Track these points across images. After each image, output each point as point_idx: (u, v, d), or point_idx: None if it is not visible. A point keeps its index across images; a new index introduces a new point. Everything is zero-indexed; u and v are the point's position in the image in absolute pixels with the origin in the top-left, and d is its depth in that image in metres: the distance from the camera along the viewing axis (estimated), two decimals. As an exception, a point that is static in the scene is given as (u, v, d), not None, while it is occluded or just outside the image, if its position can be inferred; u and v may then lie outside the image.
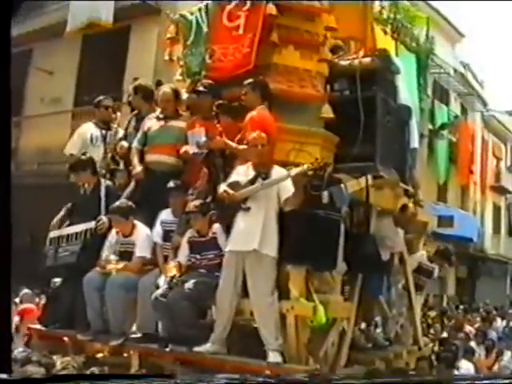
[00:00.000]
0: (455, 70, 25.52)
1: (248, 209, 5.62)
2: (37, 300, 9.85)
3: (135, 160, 6.84)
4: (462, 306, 22.05)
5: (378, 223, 6.70)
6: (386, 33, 8.46)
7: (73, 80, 15.45)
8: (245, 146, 5.92)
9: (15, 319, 8.40)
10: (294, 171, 5.39)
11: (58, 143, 14.01)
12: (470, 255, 27.37)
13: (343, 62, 7.03)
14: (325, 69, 6.78)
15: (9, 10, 3.60)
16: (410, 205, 7.16)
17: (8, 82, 3.52)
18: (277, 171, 5.65)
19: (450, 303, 23.36)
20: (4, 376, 3.23)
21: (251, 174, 5.72)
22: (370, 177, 6.39)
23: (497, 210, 31.52)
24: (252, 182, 5.66)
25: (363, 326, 7.61)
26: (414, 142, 7.72)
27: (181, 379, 4.15)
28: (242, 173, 5.80)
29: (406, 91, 7.52)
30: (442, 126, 23.94)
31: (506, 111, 30.44)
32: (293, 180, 5.45)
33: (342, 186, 5.81)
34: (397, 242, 7.09)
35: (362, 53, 7.11)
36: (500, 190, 31.34)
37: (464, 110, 27.73)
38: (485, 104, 28.98)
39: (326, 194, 5.57)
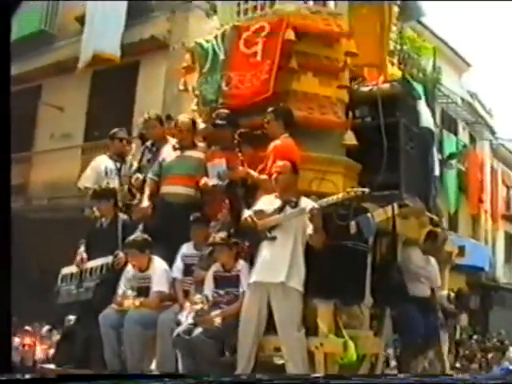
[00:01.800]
0: (463, 100, 25.44)
1: (274, 238, 5.40)
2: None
3: (146, 193, 6.64)
4: (475, 337, 21.66)
5: (408, 255, 6.48)
6: (392, 64, 8.27)
7: (82, 115, 15.41)
8: (266, 177, 5.71)
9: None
10: (323, 202, 5.17)
11: (68, 178, 14.05)
12: (482, 285, 27.00)
13: (363, 89, 6.85)
14: (345, 95, 6.62)
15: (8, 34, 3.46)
16: (439, 232, 6.95)
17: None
18: (305, 202, 5.42)
19: (464, 334, 22.96)
20: (4, 376, 3.17)
21: (277, 203, 5.51)
22: (396, 205, 6.19)
23: (508, 238, 31.16)
24: (279, 210, 5.46)
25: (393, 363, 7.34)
26: (437, 170, 7.53)
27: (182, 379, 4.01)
28: (268, 202, 5.60)
29: (428, 115, 7.34)
30: (451, 156, 23.76)
31: (514, 139, 30.42)
32: (310, 217, 5.23)
33: (369, 215, 5.60)
34: (433, 274, 6.87)
35: (381, 79, 6.91)
36: (511, 219, 31.05)
37: (472, 139, 27.58)
38: (493, 132, 28.83)
39: (353, 223, 5.36)
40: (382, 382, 5.01)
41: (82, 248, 6.90)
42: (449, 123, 24.68)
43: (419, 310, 6.60)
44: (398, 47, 9.14)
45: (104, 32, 13.94)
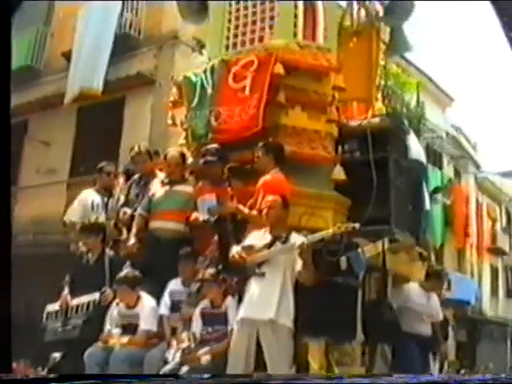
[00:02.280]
0: (447, 134, 25.59)
1: (263, 274, 5.30)
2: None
3: (133, 230, 6.55)
4: (462, 371, 21.51)
5: (406, 292, 6.42)
6: (377, 99, 8.28)
7: (68, 150, 15.31)
8: (256, 212, 5.65)
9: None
10: (314, 237, 5.10)
11: (53, 213, 13.84)
12: (469, 318, 26.90)
13: (352, 123, 6.84)
14: (334, 129, 6.62)
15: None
16: (442, 270, 6.93)
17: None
18: (295, 237, 5.33)
19: (451, 368, 22.79)
20: (4, 376, 3.19)
21: (268, 238, 5.43)
22: (386, 240, 6.14)
23: (494, 271, 31.18)
24: (269, 246, 5.36)
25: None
26: (427, 204, 7.49)
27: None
28: (258, 237, 5.51)
29: (418, 147, 7.34)
30: (436, 190, 23.77)
31: (498, 173, 30.53)
32: (299, 253, 5.15)
33: (360, 250, 5.54)
34: (434, 309, 6.82)
35: (370, 113, 6.91)
36: (497, 252, 31.07)
37: (457, 173, 27.71)
38: (478, 166, 29.02)
39: (343, 259, 5.28)
40: (383, 382, 4.91)
41: (68, 285, 6.77)
42: (434, 157, 24.78)
43: (420, 348, 6.52)
44: (383, 82, 9.12)
45: (90, 68, 13.93)
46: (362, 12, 7.77)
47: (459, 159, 27.37)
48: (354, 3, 7.73)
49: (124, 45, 14.13)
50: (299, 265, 5.22)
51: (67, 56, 14.99)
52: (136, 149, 7.15)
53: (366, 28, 7.74)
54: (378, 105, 8.12)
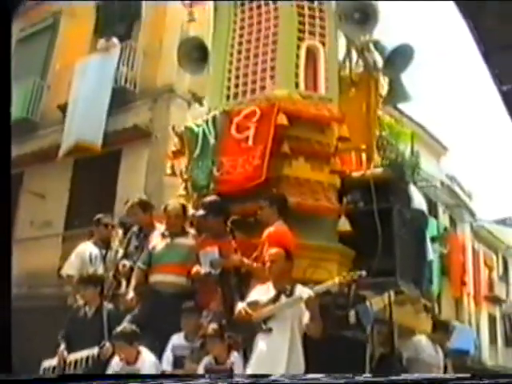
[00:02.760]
0: (442, 183, 25.63)
1: (269, 330, 5.14)
2: None
3: (132, 283, 6.40)
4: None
5: (416, 344, 6.28)
6: (360, 150, 8.25)
7: (64, 203, 15.15)
8: (260, 265, 5.52)
9: None
10: (320, 288, 4.96)
11: (48, 266, 13.69)
12: (468, 368, 26.53)
13: (355, 173, 6.78)
14: (337, 180, 6.56)
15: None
16: (450, 322, 6.81)
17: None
18: (300, 290, 5.18)
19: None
20: (4, 376, 3.19)
21: (272, 292, 5.27)
22: (392, 293, 6.03)
23: (492, 320, 30.91)
24: (274, 300, 5.19)
25: None
26: (430, 254, 7.40)
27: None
28: (262, 292, 5.34)
29: (420, 196, 7.28)
30: (432, 240, 23.68)
31: (494, 220, 30.54)
32: (306, 305, 5.00)
33: (368, 304, 5.42)
34: (441, 362, 6.68)
35: (372, 163, 6.86)
36: (494, 300, 30.88)
37: (453, 222, 27.67)
38: (473, 215, 28.99)
39: (352, 313, 5.16)
40: (383, 381, 4.75)
41: (65, 339, 6.58)
42: (429, 207, 24.57)
43: None
44: (377, 133, 9.11)
45: (86, 121, 13.94)
46: (360, 62, 7.81)
47: (454, 208, 27.35)
48: (353, 53, 7.76)
49: (120, 98, 14.15)
50: (307, 317, 5.07)
51: (63, 109, 14.99)
52: (130, 202, 7.03)
53: (365, 78, 7.77)
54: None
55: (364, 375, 5.27)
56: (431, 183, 24.10)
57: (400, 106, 21.56)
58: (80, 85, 14.65)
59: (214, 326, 5.55)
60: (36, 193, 15.29)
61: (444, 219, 26.50)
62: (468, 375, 6.91)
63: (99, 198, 14.12)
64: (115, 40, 14.59)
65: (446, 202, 26.37)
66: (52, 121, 15.53)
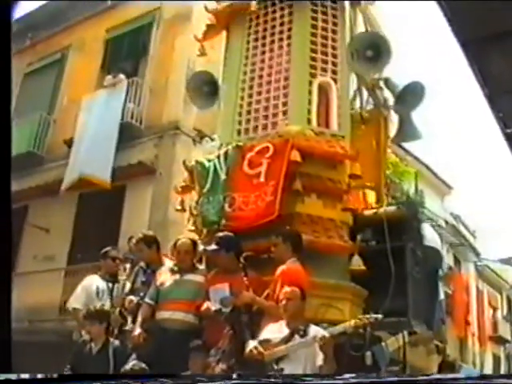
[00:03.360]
0: (446, 222, 25.55)
1: (281, 370, 5.00)
2: None
3: (139, 319, 6.24)
4: None
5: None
6: (369, 188, 8.20)
7: (67, 238, 15.07)
8: (273, 303, 5.40)
9: None
10: (335, 330, 4.84)
11: (49, 301, 13.65)
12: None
13: (367, 211, 6.70)
14: (349, 218, 6.47)
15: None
16: (456, 362, 6.65)
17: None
18: (314, 330, 5.06)
19: None
20: (4, 376, 3.15)
21: (285, 331, 5.14)
22: (406, 333, 5.90)
23: (496, 360, 30.60)
24: (287, 340, 5.06)
25: None
26: (441, 293, 7.29)
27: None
28: (275, 330, 5.21)
29: (433, 233, 7.19)
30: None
31: (498, 260, 30.36)
32: (320, 346, 4.87)
33: (384, 344, 5.29)
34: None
35: (385, 201, 6.78)
36: (498, 340, 30.59)
37: (457, 261, 27.52)
38: (477, 254, 28.86)
39: (369, 354, 5.03)
40: (383, 381, 4.59)
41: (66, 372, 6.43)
42: (434, 245, 24.59)
43: None
44: (387, 171, 9.06)
45: (92, 156, 13.93)
46: (370, 99, 7.78)
47: (459, 247, 27.23)
48: (363, 90, 7.73)
49: (126, 134, 14.17)
50: (320, 359, 4.94)
51: (69, 143, 15.03)
52: (135, 238, 6.94)
53: (375, 116, 7.73)
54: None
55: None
56: (435, 222, 24.00)
57: (405, 145, 21.76)
58: (86, 120, 14.73)
59: (222, 366, 5.41)
60: (40, 227, 15.23)
61: (448, 258, 26.33)
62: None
63: (103, 233, 14.06)
64: (122, 76, 14.67)
65: (449, 241, 26.24)
66: (58, 155, 15.53)
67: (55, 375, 4.77)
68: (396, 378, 5.21)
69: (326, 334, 4.88)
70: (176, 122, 13.95)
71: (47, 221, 15.19)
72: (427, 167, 24.93)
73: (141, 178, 14.04)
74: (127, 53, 15.87)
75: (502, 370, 31.09)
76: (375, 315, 5.02)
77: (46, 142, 16.32)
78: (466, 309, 26.50)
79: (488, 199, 74.70)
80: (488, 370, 29.05)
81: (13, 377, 3.43)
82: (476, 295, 28.13)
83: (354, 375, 4.69)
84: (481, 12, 3.76)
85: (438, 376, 6.33)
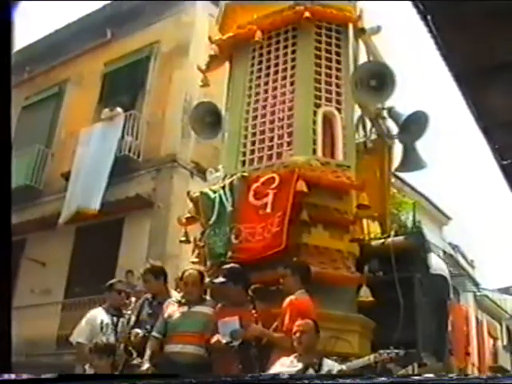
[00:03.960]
0: (444, 252, 25.45)
1: None
2: None
3: (148, 353, 6.10)
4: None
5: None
6: (374, 218, 8.14)
7: (64, 271, 14.96)
8: (283, 335, 5.30)
9: None
10: (353, 364, 4.73)
11: (47, 335, 13.61)
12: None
13: (374, 242, 6.64)
14: (356, 249, 6.41)
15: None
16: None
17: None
18: (327, 363, 4.96)
19: None
20: (4, 376, 3.10)
21: (298, 365, 5.01)
22: (416, 366, 5.80)
23: (497, 392, 30.30)
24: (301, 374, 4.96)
25: None
26: (449, 323, 7.21)
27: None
28: (287, 364, 5.08)
29: (439, 261, 7.13)
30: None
31: (498, 289, 30.22)
32: None
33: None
34: None
35: (392, 232, 6.73)
36: (499, 371, 30.11)
37: (456, 292, 27.32)
38: (476, 284, 28.71)
39: (380, 388, 4.90)
40: (383, 381, 4.45)
41: None
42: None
43: None
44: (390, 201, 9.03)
45: (88, 189, 13.91)
46: (374, 129, 7.77)
47: (457, 277, 27.08)
48: (366, 120, 7.72)
49: (123, 167, 14.15)
50: None
51: (67, 177, 15.01)
52: (142, 269, 6.84)
53: (378, 145, 7.72)
54: (375, 225, 7.96)
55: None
56: (434, 253, 23.92)
57: (402, 175, 21.76)
58: (83, 153, 14.73)
59: None
60: (37, 260, 15.12)
61: (447, 289, 26.24)
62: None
63: (100, 267, 13.99)
64: (119, 110, 14.69)
65: (448, 271, 26.14)
66: (55, 188, 15.51)
67: (55, 375, 4.64)
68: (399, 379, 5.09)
69: (344, 367, 4.77)
70: (173, 154, 13.97)
71: (44, 254, 15.09)
72: (425, 197, 24.93)
73: (138, 210, 13.99)
74: (125, 86, 15.92)
75: (503, 401, 30.80)
76: (396, 350, 4.92)
77: (44, 176, 16.29)
78: (465, 339, 26.25)
79: (486, 229, 74.70)
80: (489, 401, 28.79)
81: (13, 377, 3.35)
82: (475, 325, 27.88)
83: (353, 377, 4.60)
84: (474, 45, 3.76)
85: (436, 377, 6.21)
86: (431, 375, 5.94)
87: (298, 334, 5.09)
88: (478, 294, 28.82)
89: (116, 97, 15.74)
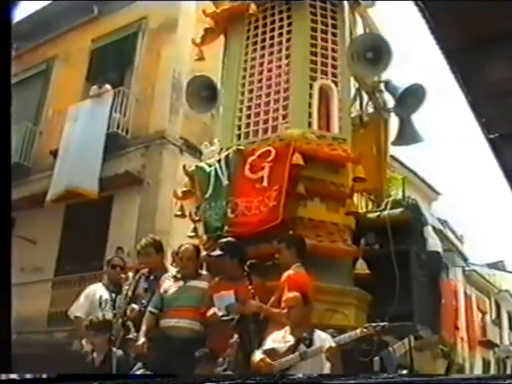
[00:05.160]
0: (434, 228, 25.47)
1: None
2: None
3: (143, 328, 6.08)
4: None
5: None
6: (362, 195, 8.11)
7: (55, 249, 14.93)
8: (280, 310, 5.25)
9: None
10: (341, 339, 4.68)
11: (38, 312, 13.63)
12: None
13: (370, 215, 6.61)
14: (352, 222, 6.37)
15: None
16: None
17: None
18: (319, 336, 4.91)
19: None
20: (4, 376, 3.11)
21: (290, 340, 4.96)
22: (412, 338, 5.81)
23: (486, 364, 30.57)
24: (293, 349, 4.88)
25: None
26: (444, 296, 7.23)
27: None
28: (280, 339, 5.03)
29: (435, 238, 7.12)
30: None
31: (486, 264, 30.41)
32: (326, 356, 4.68)
33: (391, 349, 5.19)
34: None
35: (388, 202, 6.70)
36: (488, 345, 30.59)
37: (445, 267, 27.43)
38: (465, 259, 28.88)
39: (377, 360, 4.92)
40: (384, 381, 4.49)
41: None
42: (421, 251, 24.58)
43: None
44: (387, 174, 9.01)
45: (78, 167, 13.81)
46: (370, 103, 7.72)
47: (446, 252, 27.14)
48: (363, 94, 7.67)
49: (112, 144, 14.05)
50: (327, 367, 4.79)
51: (56, 154, 14.89)
52: (143, 241, 6.79)
53: (375, 119, 7.68)
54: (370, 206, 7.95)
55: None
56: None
57: (392, 151, 21.71)
58: (72, 130, 14.60)
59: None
60: (27, 238, 15.03)
61: (436, 264, 26.36)
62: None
63: (90, 244, 13.98)
64: (108, 86, 14.55)
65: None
66: (44, 166, 15.36)
67: (55, 375, 4.64)
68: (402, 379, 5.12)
69: (333, 344, 4.72)
70: (162, 131, 13.86)
71: (34, 232, 15.00)
72: (414, 173, 24.95)
73: (128, 187, 13.92)
74: (113, 63, 15.76)
75: (492, 375, 31.15)
76: (382, 323, 4.86)
77: (33, 153, 16.15)
78: (454, 314, 26.42)
79: (475, 205, 75.16)
80: (478, 373, 29.09)
81: (13, 377, 3.34)
82: (464, 300, 28.12)
83: (354, 376, 4.61)
84: (462, 19, 3.76)
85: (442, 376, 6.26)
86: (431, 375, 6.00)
87: (286, 310, 5.04)
88: (467, 268, 29.03)
89: (104, 73, 15.58)
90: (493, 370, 31.21)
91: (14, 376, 3.47)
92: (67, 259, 14.60)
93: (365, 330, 4.74)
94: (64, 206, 14.87)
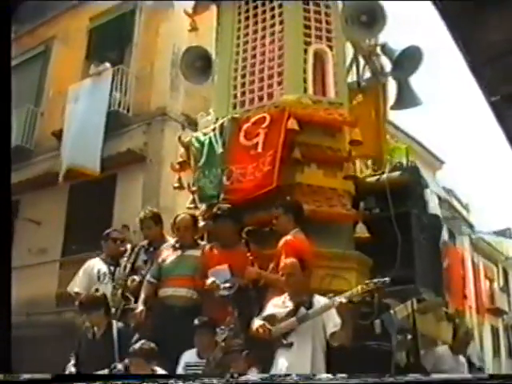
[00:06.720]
0: (439, 196, 25.47)
1: (290, 345, 4.84)
2: None
3: (142, 296, 6.12)
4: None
5: (439, 356, 6.03)
6: (367, 166, 8.06)
7: (60, 230, 14.99)
8: (279, 276, 5.23)
9: None
10: (340, 299, 4.66)
11: (46, 293, 13.66)
12: (472, 381, 26.18)
13: (369, 179, 6.57)
14: (351, 186, 6.32)
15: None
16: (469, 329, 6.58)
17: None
18: (318, 300, 4.90)
19: None
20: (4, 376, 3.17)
21: (289, 305, 4.97)
22: (414, 301, 5.78)
23: (495, 332, 30.64)
24: (292, 314, 4.88)
25: None
26: (445, 259, 7.20)
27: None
28: (279, 304, 5.04)
29: (435, 201, 7.09)
30: (431, 254, 23.55)
31: (493, 232, 30.36)
32: (338, 311, 4.69)
33: (392, 312, 5.17)
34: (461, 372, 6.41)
35: (387, 168, 6.65)
36: (496, 312, 30.63)
37: (452, 235, 27.46)
38: (471, 227, 28.85)
39: (378, 322, 4.91)
40: (383, 381, 4.50)
41: (72, 362, 6.26)
42: (427, 220, 24.55)
43: None
44: (387, 139, 8.94)
45: (80, 146, 13.84)
46: (367, 67, 7.65)
47: (452, 221, 27.17)
48: (360, 58, 7.59)
49: (114, 122, 14.06)
50: (331, 326, 4.77)
51: (58, 135, 14.94)
52: (141, 215, 6.79)
53: (372, 84, 7.61)
54: (368, 171, 7.89)
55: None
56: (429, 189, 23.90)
57: (395, 121, 21.61)
58: (73, 110, 14.60)
59: (231, 342, 5.26)
60: (32, 220, 15.08)
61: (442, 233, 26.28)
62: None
63: (95, 223, 13.97)
64: (107, 65, 14.52)
65: (443, 215, 26.17)
66: (47, 148, 15.44)
67: (55, 375, 4.64)
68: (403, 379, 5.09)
69: (340, 299, 4.69)
70: (163, 107, 13.86)
71: (39, 214, 15.08)
72: (418, 142, 24.84)
73: (131, 165, 13.93)
74: (111, 41, 15.73)
75: (501, 342, 31.21)
76: (382, 279, 4.83)
77: (35, 136, 16.17)
78: (462, 282, 26.45)
79: (480, 172, 74.89)
80: (487, 342, 29.17)
81: (13, 377, 3.31)
82: (472, 268, 28.13)
83: (356, 375, 4.58)
84: None
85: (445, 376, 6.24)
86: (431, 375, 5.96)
87: (284, 276, 5.03)
88: (474, 236, 28.98)
89: (103, 52, 15.58)
90: (501, 338, 31.30)
91: (13, 376, 3.46)
92: (73, 239, 14.65)
93: (365, 286, 4.71)
94: (68, 187, 14.91)
